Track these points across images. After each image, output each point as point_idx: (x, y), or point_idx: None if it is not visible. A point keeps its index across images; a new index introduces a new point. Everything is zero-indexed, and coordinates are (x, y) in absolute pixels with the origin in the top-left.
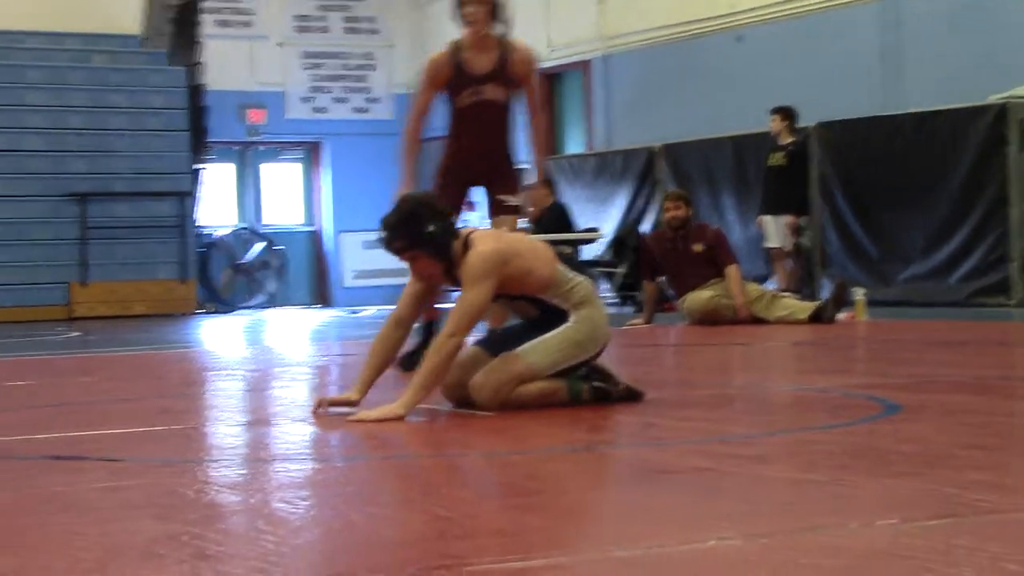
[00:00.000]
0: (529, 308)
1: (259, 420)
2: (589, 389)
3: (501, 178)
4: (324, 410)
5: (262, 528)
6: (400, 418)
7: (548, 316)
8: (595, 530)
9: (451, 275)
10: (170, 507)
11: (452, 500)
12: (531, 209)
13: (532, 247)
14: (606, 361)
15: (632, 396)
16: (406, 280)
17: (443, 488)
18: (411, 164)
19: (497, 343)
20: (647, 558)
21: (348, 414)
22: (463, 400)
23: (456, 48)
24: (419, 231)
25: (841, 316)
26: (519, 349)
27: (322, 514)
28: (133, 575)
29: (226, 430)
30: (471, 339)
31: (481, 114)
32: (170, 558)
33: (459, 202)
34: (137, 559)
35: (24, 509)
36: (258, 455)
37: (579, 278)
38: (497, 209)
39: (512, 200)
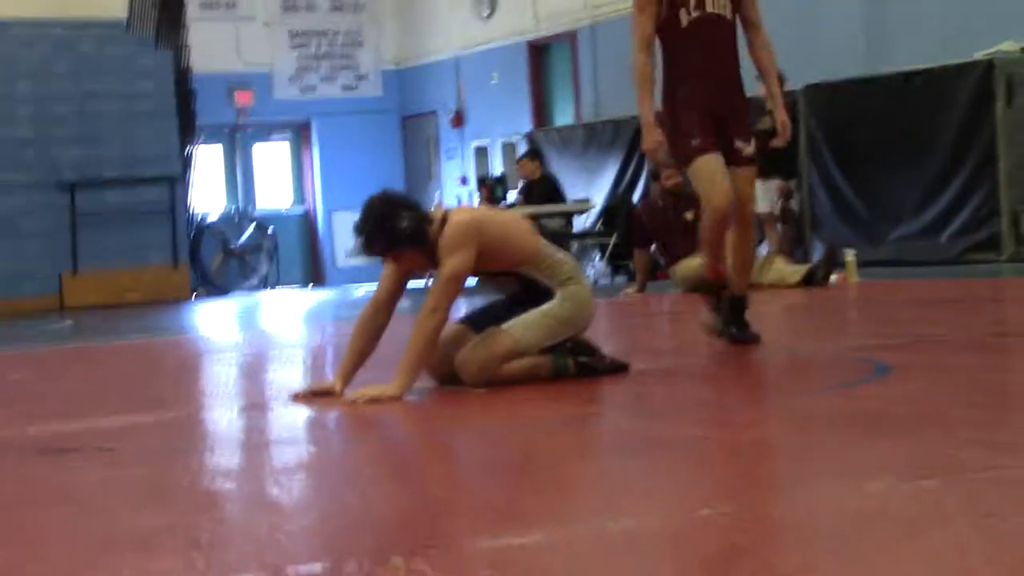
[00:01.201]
0: (513, 284)
1: (253, 405)
2: (574, 364)
3: (736, 116)
4: (304, 399)
5: (257, 514)
6: (396, 399)
7: (533, 293)
8: (589, 503)
9: (434, 257)
10: (165, 496)
11: (446, 478)
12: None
13: (511, 218)
14: (595, 333)
15: (617, 369)
16: None
17: (436, 466)
18: (650, 105)
19: (482, 319)
20: (642, 529)
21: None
22: (449, 377)
23: None
24: (394, 230)
25: (833, 278)
26: (505, 325)
27: (317, 497)
28: (130, 565)
29: (220, 416)
30: (456, 316)
31: (710, 32)
32: (166, 547)
33: (715, 141)
34: (133, 549)
35: (21, 501)
36: (252, 441)
37: (563, 254)
38: (733, 158)
39: (749, 149)
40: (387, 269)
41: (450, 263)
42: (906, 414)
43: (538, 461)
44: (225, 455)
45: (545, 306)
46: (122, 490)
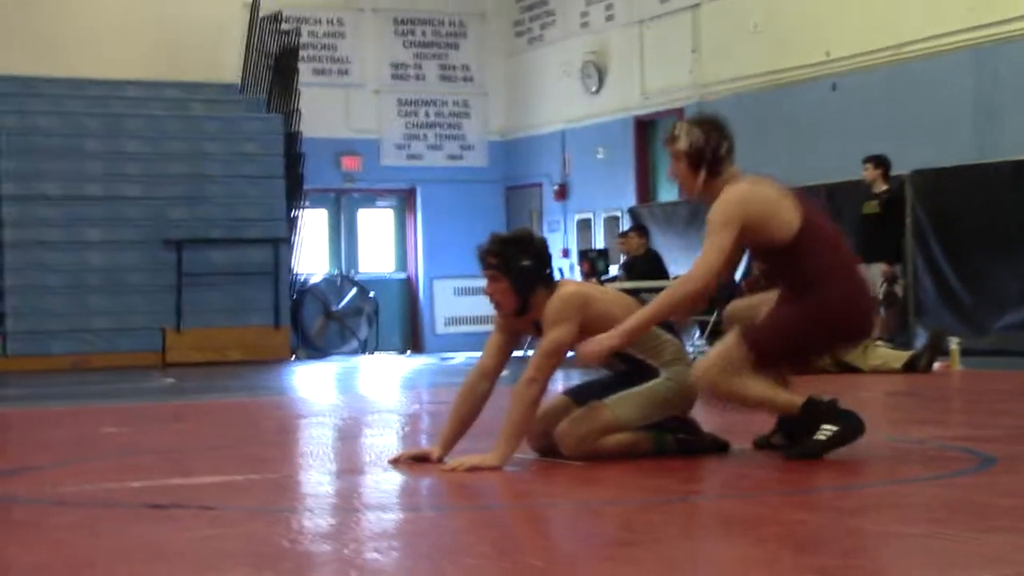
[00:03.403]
0: (617, 363)
1: (351, 469)
2: (674, 441)
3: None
4: (403, 464)
5: None
6: (496, 469)
7: (637, 371)
8: None
9: (527, 319)
10: (265, 556)
11: (546, 551)
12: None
13: (616, 295)
14: (695, 410)
15: (718, 447)
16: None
17: (536, 539)
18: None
19: (584, 393)
20: None
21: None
22: (548, 449)
23: None
24: (515, 258)
25: (936, 366)
26: (607, 399)
27: (416, 565)
28: None
29: (319, 478)
30: (559, 388)
31: None
32: None
33: None
34: None
35: (121, 557)
36: (351, 504)
37: (667, 335)
38: None
39: None
40: (492, 337)
41: (552, 335)
42: (1012, 507)
43: (638, 537)
44: (325, 518)
45: (649, 384)
46: (222, 549)
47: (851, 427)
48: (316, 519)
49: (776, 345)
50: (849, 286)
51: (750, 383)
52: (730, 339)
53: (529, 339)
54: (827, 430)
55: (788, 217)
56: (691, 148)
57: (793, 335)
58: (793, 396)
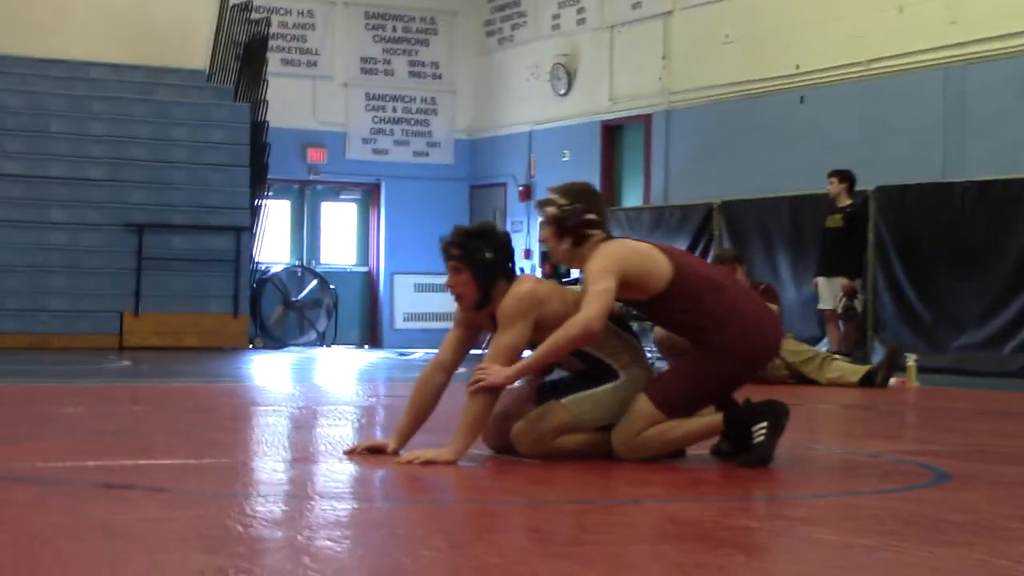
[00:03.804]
0: (575, 362)
1: (305, 457)
2: None
3: None
4: (358, 455)
5: (309, 565)
6: (451, 463)
7: (595, 371)
8: None
9: (485, 312)
10: (218, 540)
11: (500, 547)
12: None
13: (572, 294)
14: None
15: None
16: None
17: (490, 534)
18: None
19: (542, 392)
20: None
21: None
22: (504, 447)
23: None
24: (478, 250)
25: (892, 381)
26: (564, 400)
27: (369, 555)
28: None
29: (273, 466)
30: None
31: None
32: None
33: None
34: None
35: (72, 535)
36: (304, 492)
37: (626, 336)
38: None
39: None
40: (451, 332)
41: (506, 336)
42: (965, 522)
43: (592, 537)
44: (278, 504)
45: (608, 385)
46: (172, 531)
47: (778, 413)
48: (269, 505)
49: (683, 397)
50: (745, 325)
51: (666, 428)
52: (638, 401)
53: (488, 336)
54: (760, 428)
55: (662, 267)
56: (559, 214)
57: (699, 383)
58: (709, 418)
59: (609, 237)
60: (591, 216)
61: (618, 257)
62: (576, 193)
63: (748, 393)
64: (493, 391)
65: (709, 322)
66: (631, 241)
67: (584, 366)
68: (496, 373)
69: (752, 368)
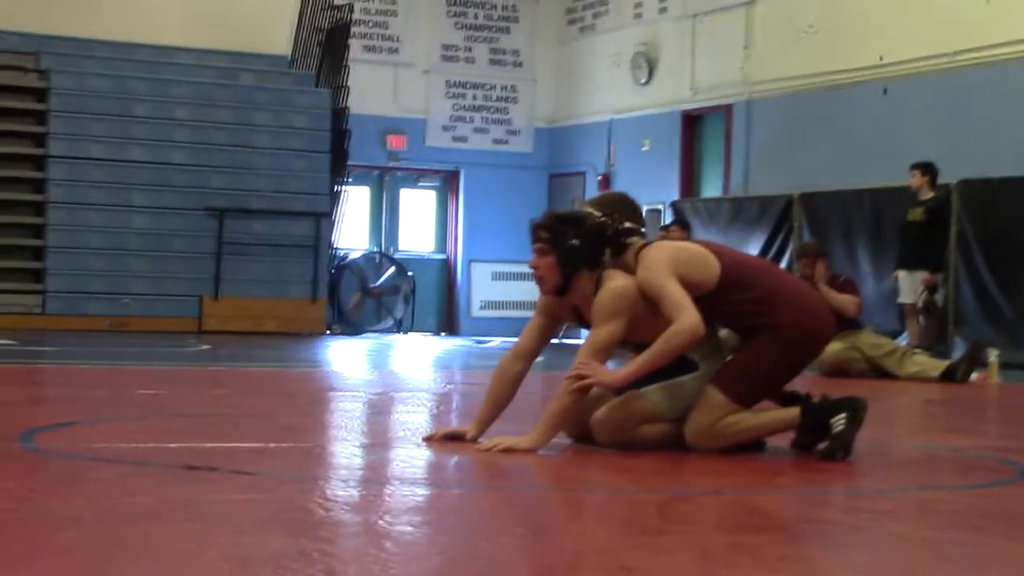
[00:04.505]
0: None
1: (383, 443)
2: None
3: None
4: (437, 442)
5: (391, 550)
6: (530, 452)
7: (676, 362)
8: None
9: (567, 301)
10: (299, 523)
11: (582, 535)
12: None
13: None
14: None
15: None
16: (531, 313)
17: (570, 522)
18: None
19: None
20: None
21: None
22: (584, 436)
23: None
24: (566, 235)
25: (974, 376)
26: (644, 389)
27: (449, 541)
28: None
29: (352, 450)
30: None
31: None
32: (301, 573)
33: None
34: (267, 572)
35: (156, 516)
36: (383, 477)
37: (707, 329)
38: None
39: None
40: (532, 321)
41: (603, 331)
42: None
43: (673, 527)
44: (358, 489)
45: (688, 376)
46: (254, 513)
47: (856, 406)
48: (350, 490)
49: (749, 386)
50: (800, 302)
51: (740, 419)
52: (709, 392)
53: (565, 326)
54: (840, 419)
55: (709, 260)
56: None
57: (766, 369)
58: (786, 411)
59: (646, 243)
60: (629, 224)
61: (667, 259)
62: (610, 203)
63: (828, 388)
64: (589, 390)
65: (767, 306)
66: (668, 242)
67: None
68: (604, 375)
69: (812, 346)
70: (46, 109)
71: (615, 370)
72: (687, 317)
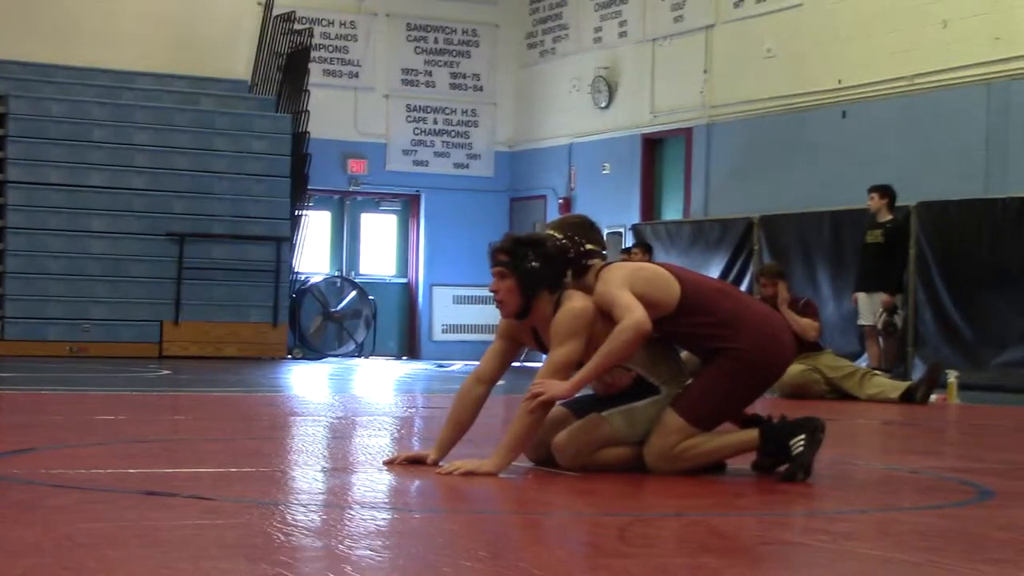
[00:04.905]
0: (622, 376)
1: (344, 467)
2: None
3: None
4: (398, 465)
5: (351, 574)
6: (491, 475)
7: (637, 385)
8: None
9: (526, 324)
10: (260, 548)
11: (542, 558)
12: None
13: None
14: None
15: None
16: (493, 337)
17: (531, 545)
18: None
19: (584, 405)
20: None
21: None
22: (545, 459)
23: None
24: (524, 258)
25: (933, 398)
26: (605, 413)
27: (410, 564)
28: None
29: (313, 474)
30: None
31: None
32: None
33: None
34: None
35: (116, 542)
36: (344, 501)
37: (665, 350)
38: None
39: None
40: (493, 345)
41: (560, 352)
42: (1008, 540)
43: (634, 549)
44: (318, 513)
45: (649, 400)
46: (214, 538)
47: (814, 427)
48: (310, 514)
49: (708, 410)
50: (760, 325)
51: (699, 442)
52: (667, 416)
53: (526, 350)
54: (798, 441)
55: (669, 282)
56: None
57: (721, 396)
58: (745, 433)
59: (606, 264)
60: (590, 246)
61: (624, 276)
62: (571, 226)
63: (788, 410)
64: (548, 407)
65: (728, 329)
66: (629, 262)
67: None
68: (555, 387)
69: (772, 370)
70: (3, 134)
71: (564, 382)
72: (632, 315)
